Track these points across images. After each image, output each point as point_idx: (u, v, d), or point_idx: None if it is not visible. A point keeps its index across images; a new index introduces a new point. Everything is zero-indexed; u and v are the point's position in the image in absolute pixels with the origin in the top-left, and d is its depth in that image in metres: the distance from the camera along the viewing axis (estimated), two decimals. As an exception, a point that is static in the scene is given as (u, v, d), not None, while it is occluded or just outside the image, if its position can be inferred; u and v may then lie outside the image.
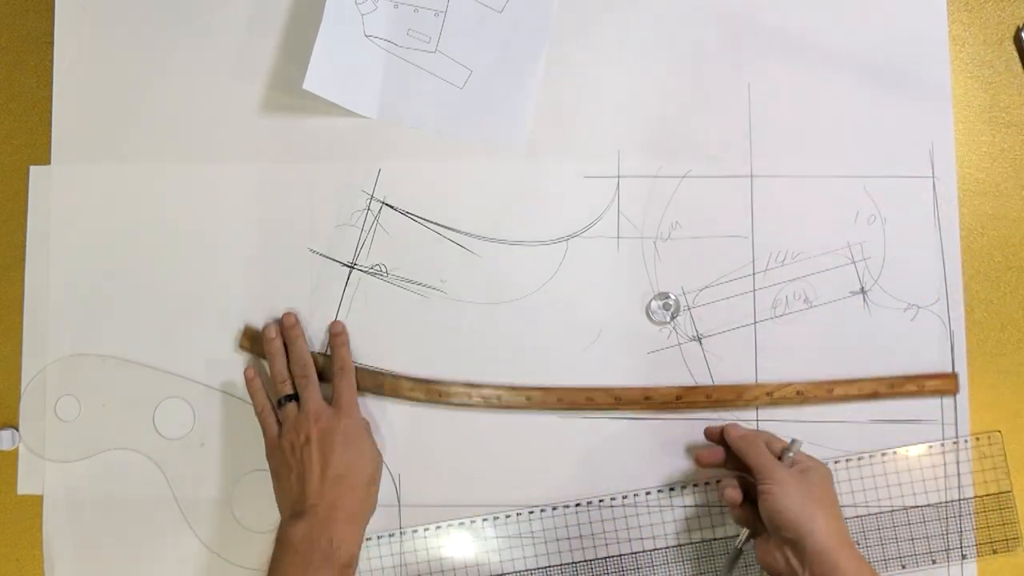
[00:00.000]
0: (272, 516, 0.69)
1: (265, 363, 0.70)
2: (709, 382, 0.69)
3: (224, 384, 0.70)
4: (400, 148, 0.71)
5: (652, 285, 0.69)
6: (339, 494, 0.62)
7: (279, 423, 0.66)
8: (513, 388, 0.69)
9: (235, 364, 0.70)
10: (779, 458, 0.62)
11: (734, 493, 0.63)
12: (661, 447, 0.68)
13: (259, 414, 0.68)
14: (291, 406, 0.66)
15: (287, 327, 0.69)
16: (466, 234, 0.70)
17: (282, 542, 0.61)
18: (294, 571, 0.59)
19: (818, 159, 0.70)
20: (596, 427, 0.69)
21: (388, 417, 0.69)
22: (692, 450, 0.68)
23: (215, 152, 0.71)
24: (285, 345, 0.69)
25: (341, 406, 0.66)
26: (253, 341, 0.70)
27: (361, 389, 0.69)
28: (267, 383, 0.69)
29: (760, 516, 0.61)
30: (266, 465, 0.67)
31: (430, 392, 0.69)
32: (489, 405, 0.68)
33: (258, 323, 0.70)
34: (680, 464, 0.68)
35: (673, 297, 0.69)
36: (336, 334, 0.69)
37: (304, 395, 0.66)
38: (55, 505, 0.70)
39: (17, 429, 0.71)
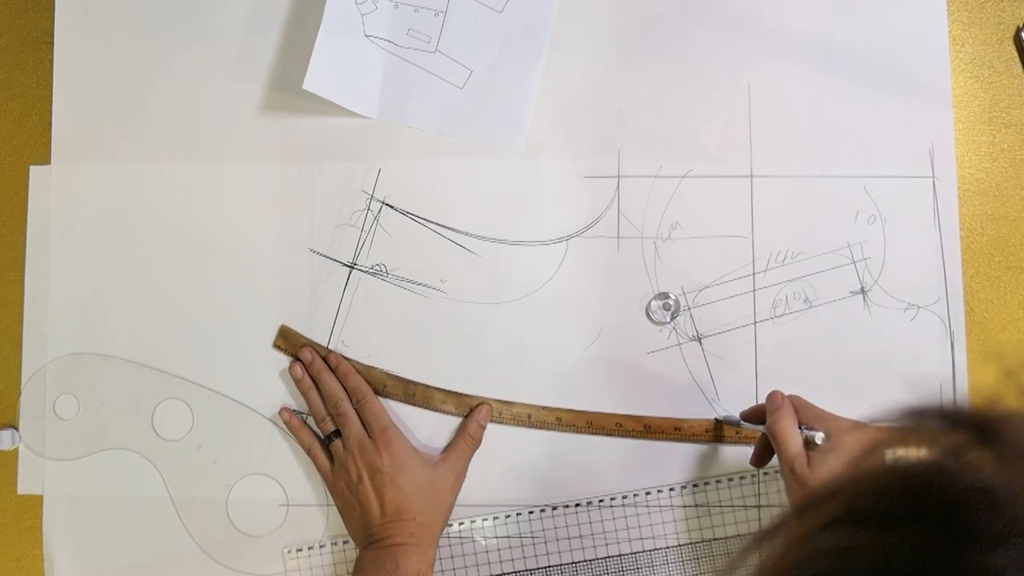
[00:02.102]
0: (267, 521, 0.69)
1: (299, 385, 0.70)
2: (709, 382, 0.69)
3: (224, 386, 0.70)
4: (400, 148, 0.71)
5: (652, 285, 0.69)
6: (401, 528, 0.64)
7: (331, 459, 0.67)
8: (544, 408, 0.69)
9: (235, 365, 0.70)
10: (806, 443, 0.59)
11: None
12: (661, 447, 0.68)
13: (308, 452, 0.68)
14: (337, 444, 0.67)
15: (308, 364, 0.69)
16: (466, 234, 0.70)
17: (355, 570, 0.64)
18: None
19: (818, 159, 0.70)
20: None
21: (404, 424, 0.69)
22: (695, 450, 0.68)
23: (215, 152, 0.71)
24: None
25: (376, 436, 0.66)
26: (287, 340, 0.70)
27: (388, 396, 0.69)
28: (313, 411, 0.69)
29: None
30: (262, 470, 0.68)
31: (460, 405, 0.69)
32: (519, 423, 0.69)
33: (259, 322, 0.70)
34: (680, 464, 0.68)
35: (673, 297, 0.69)
36: (335, 367, 0.68)
37: (345, 432, 0.66)
38: (55, 505, 0.70)
39: (17, 429, 0.71)
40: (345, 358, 0.69)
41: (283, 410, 0.69)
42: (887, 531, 0.29)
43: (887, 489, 0.30)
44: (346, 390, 0.68)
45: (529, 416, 0.69)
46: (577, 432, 0.69)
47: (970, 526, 0.28)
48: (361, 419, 0.67)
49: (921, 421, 0.31)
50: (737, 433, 0.68)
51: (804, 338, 0.69)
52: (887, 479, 0.31)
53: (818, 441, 0.58)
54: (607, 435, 0.68)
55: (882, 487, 0.31)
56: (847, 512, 0.31)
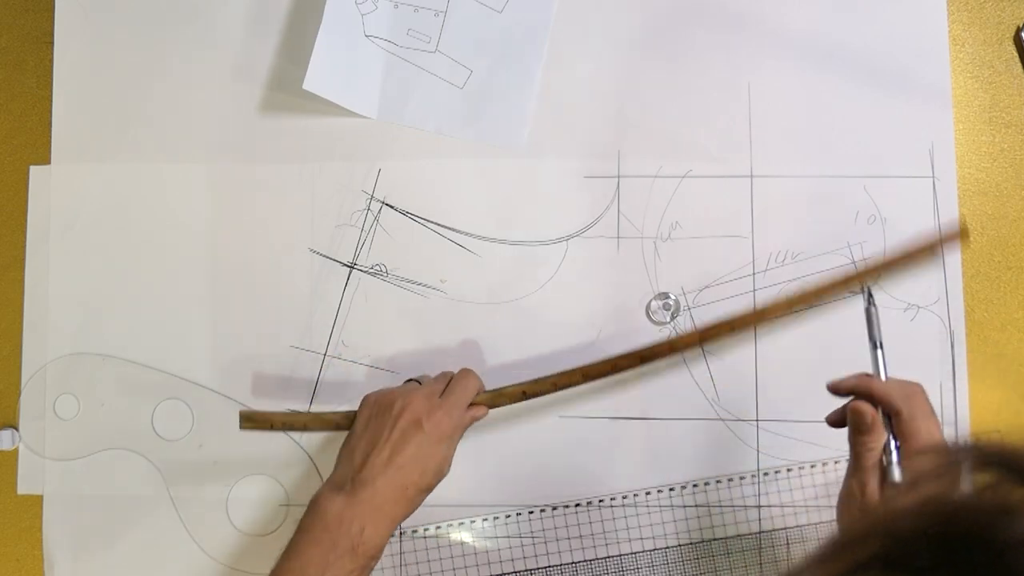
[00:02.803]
0: (266, 521, 0.69)
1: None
2: (709, 382, 0.69)
3: (223, 386, 0.70)
4: (400, 148, 0.71)
5: (652, 285, 0.69)
6: (391, 485, 0.59)
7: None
8: (536, 381, 0.65)
9: (235, 366, 0.70)
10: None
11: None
12: (660, 447, 0.68)
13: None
14: (411, 382, 0.65)
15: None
16: (466, 234, 0.70)
17: (316, 510, 0.58)
18: (317, 548, 0.57)
19: (818, 159, 0.70)
20: (596, 427, 0.69)
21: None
22: (695, 451, 0.68)
23: (215, 152, 0.71)
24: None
25: (448, 399, 0.62)
26: (252, 421, 0.67)
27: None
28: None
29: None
30: (261, 471, 0.67)
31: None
32: (515, 400, 0.65)
33: (259, 322, 0.70)
34: (680, 464, 0.68)
35: (673, 297, 0.69)
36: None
37: (428, 381, 0.64)
38: (55, 505, 0.70)
39: (17, 429, 0.71)
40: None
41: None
42: (930, 574, 0.28)
43: (929, 534, 0.29)
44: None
45: (523, 393, 0.65)
46: (575, 386, 0.65)
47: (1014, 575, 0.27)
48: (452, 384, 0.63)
49: (959, 459, 0.31)
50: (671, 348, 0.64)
51: (804, 338, 0.69)
52: (928, 522, 0.30)
53: (896, 477, 0.53)
54: (601, 377, 0.65)
55: (923, 530, 0.29)
56: (885, 553, 0.30)
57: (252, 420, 0.66)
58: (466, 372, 0.64)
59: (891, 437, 0.54)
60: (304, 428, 0.68)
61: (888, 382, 0.56)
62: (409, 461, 0.60)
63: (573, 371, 0.65)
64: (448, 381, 0.64)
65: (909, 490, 0.30)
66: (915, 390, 0.55)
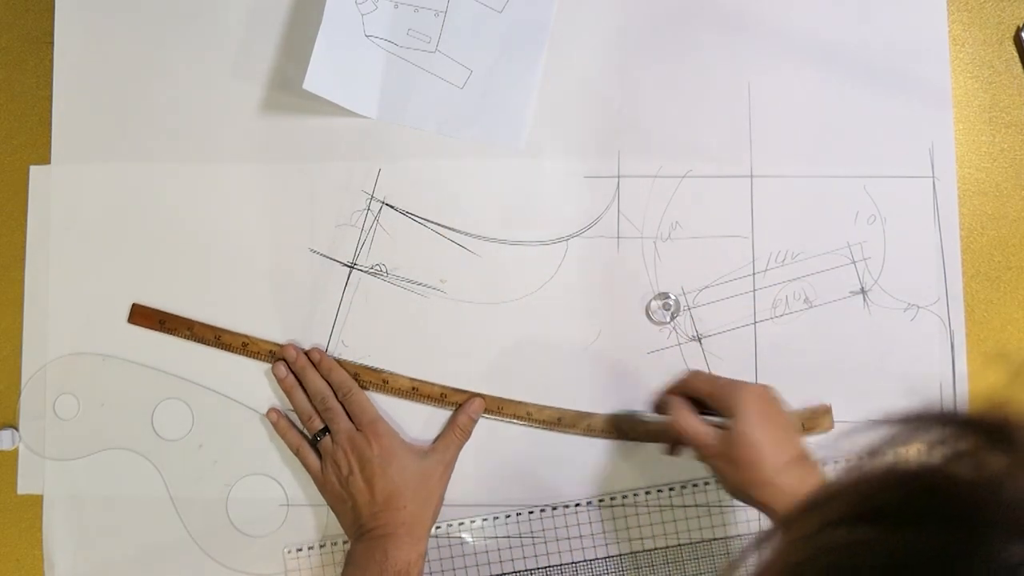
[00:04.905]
0: (267, 521, 0.69)
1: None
2: (709, 382, 0.69)
3: (224, 386, 0.70)
4: (400, 148, 0.71)
5: (652, 285, 0.69)
6: (391, 517, 0.63)
7: (320, 457, 0.67)
8: (542, 407, 0.69)
9: (235, 366, 0.70)
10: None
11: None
12: (660, 447, 0.68)
13: (296, 452, 0.68)
14: (326, 440, 0.67)
15: (291, 362, 0.68)
16: (466, 234, 0.70)
17: (347, 562, 0.64)
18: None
19: (818, 159, 0.70)
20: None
21: (390, 417, 0.69)
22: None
23: (215, 152, 0.71)
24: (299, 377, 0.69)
25: (365, 427, 0.66)
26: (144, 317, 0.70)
27: (389, 392, 0.69)
28: (297, 415, 0.69)
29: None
30: (262, 470, 0.68)
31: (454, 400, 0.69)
32: (517, 417, 0.69)
33: (259, 322, 0.70)
34: (680, 464, 0.68)
35: (673, 297, 0.69)
36: (317, 362, 0.68)
37: (333, 427, 0.66)
38: (55, 505, 0.70)
39: (17, 429, 0.71)
40: (340, 360, 0.69)
41: (271, 411, 0.69)
42: (901, 526, 0.29)
43: (898, 487, 0.30)
44: (331, 385, 0.68)
45: (528, 414, 0.68)
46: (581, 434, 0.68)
47: (986, 521, 0.28)
48: (348, 413, 0.67)
49: (926, 425, 0.31)
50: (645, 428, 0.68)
51: (804, 338, 0.69)
52: (897, 477, 0.31)
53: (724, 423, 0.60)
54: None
55: (892, 485, 0.31)
56: (855, 510, 0.30)
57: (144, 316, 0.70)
58: (343, 394, 0.67)
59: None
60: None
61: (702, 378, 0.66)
62: (388, 489, 0.64)
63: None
64: (327, 399, 0.67)
65: (872, 457, 0.31)
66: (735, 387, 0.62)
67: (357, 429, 0.66)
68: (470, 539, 0.68)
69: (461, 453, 0.68)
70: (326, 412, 0.67)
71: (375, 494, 0.64)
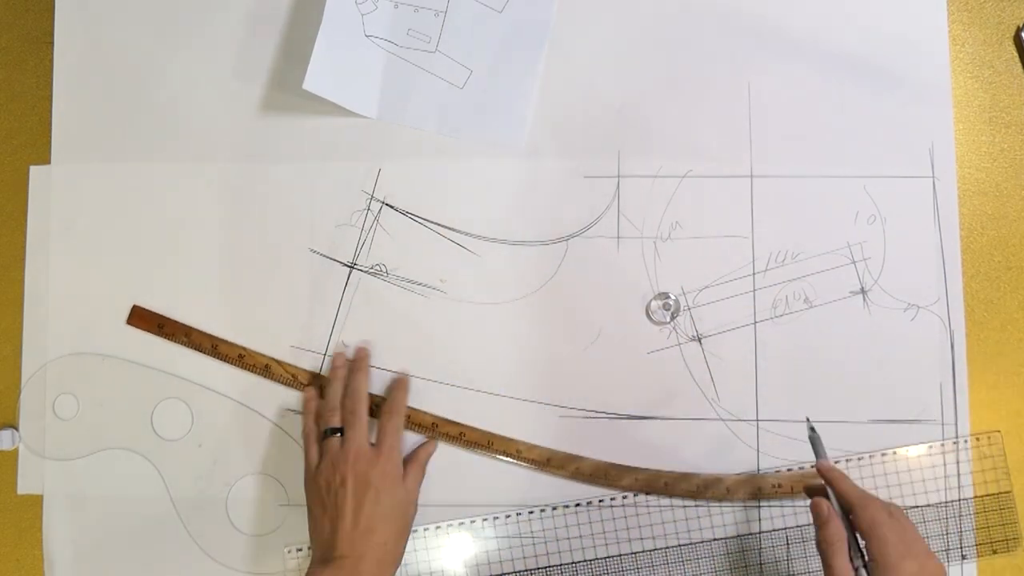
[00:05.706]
0: (267, 521, 0.69)
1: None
2: (709, 382, 0.69)
3: (223, 386, 0.70)
4: (400, 148, 0.71)
5: (652, 285, 0.69)
6: (367, 547, 0.61)
7: (320, 455, 0.65)
8: (540, 448, 0.69)
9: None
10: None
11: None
12: (662, 447, 0.68)
13: (305, 438, 0.67)
14: (334, 440, 0.65)
15: (354, 359, 0.68)
16: (466, 234, 0.70)
17: None
18: None
19: (818, 159, 0.70)
20: (596, 427, 0.69)
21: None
22: (695, 450, 0.68)
23: (215, 152, 0.71)
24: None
25: (382, 449, 0.64)
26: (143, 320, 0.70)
27: (415, 426, 0.69)
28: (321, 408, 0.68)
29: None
30: (261, 469, 0.68)
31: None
32: (508, 454, 0.69)
33: (259, 322, 0.70)
34: (680, 465, 0.68)
35: (673, 297, 0.69)
36: (399, 381, 0.68)
37: (349, 432, 0.65)
38: (55, 505, 0.70)
39: (17, 429, 0.71)
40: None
41: (309, 389, 0.68)
42: None
43: None
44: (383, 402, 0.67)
45: (518, 451, 0.68)
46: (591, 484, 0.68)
47: None
48: (379, 430, 0.66)
49: None
50: (778, 487, 0.67)
51: (804, 338, 0.69)
52: None
53: None
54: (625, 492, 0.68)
55: None
56: None
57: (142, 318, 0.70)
58: (388, 413, 0.66)
59: (854, 536, 0.57)
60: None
61: (849, 484, 0.59)
62: (374, 519, 0.62)
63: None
64: (358, 404, 0.66)
65: None
66: (872, 500, 0.57)
67: (372, 444, 0.65)
68: (470, 539, 0.68)
69: (461, 455, 0.68)
70: (351, 414, 0.65)
71: (360, 518, 0.62)
